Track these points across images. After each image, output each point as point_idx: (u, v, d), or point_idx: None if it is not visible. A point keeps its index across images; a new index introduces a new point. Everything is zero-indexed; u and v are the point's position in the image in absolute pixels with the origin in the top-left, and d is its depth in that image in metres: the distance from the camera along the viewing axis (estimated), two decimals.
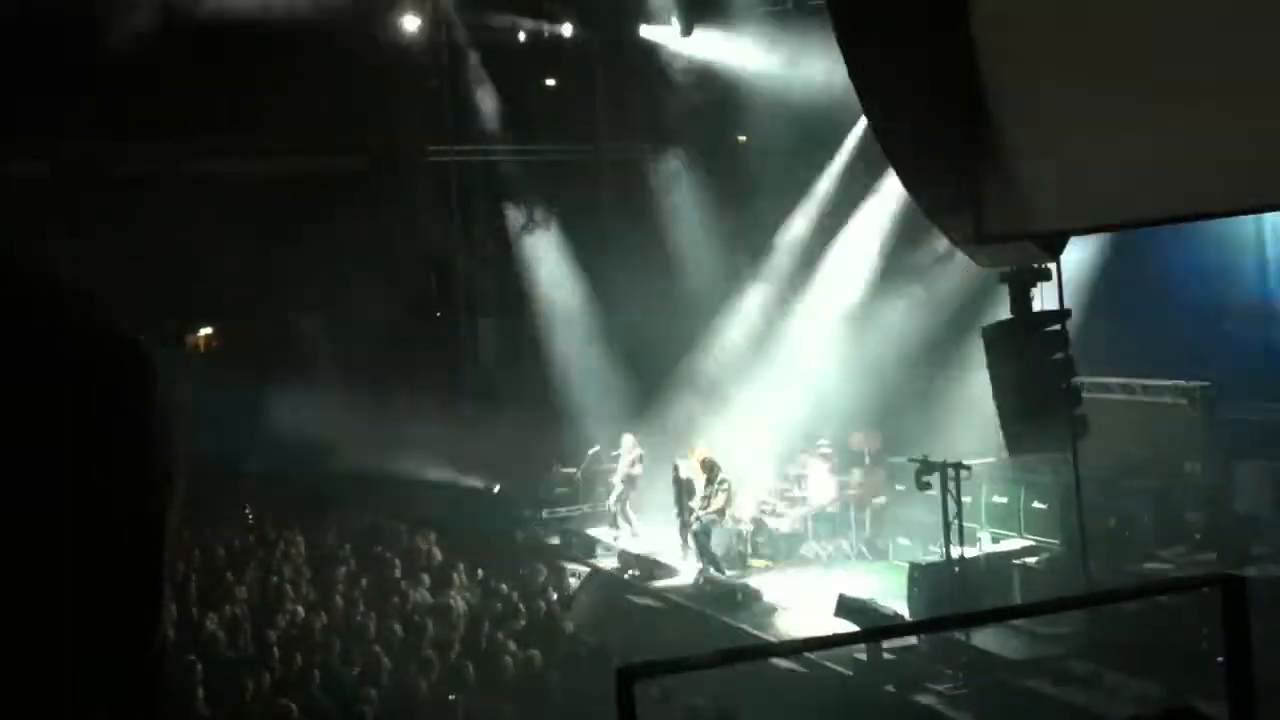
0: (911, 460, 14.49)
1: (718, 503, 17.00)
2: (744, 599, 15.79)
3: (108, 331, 0.88)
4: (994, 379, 10.94)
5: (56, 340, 0.84)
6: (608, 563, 18.44)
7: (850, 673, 12.97)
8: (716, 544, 17.01)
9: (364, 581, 16.12)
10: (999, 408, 10.94)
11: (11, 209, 18.67)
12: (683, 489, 17.72)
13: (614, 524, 19.56)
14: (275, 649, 12.82)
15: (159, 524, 0.88)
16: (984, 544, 15.54)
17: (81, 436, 0.83)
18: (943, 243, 13.29)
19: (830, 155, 20.78)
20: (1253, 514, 14.62)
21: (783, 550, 17.94)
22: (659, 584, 17.06)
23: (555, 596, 16.06)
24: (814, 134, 19.82)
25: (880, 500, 17.86)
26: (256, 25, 19.29)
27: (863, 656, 12.97)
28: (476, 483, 21.60)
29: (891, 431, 18.48)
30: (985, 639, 12.85)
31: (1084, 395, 11.35)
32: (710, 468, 17.21)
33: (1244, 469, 15.20)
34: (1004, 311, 11.12)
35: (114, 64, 19.37)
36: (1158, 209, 8.11)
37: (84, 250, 16.18)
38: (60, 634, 0.82)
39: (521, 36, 23.97)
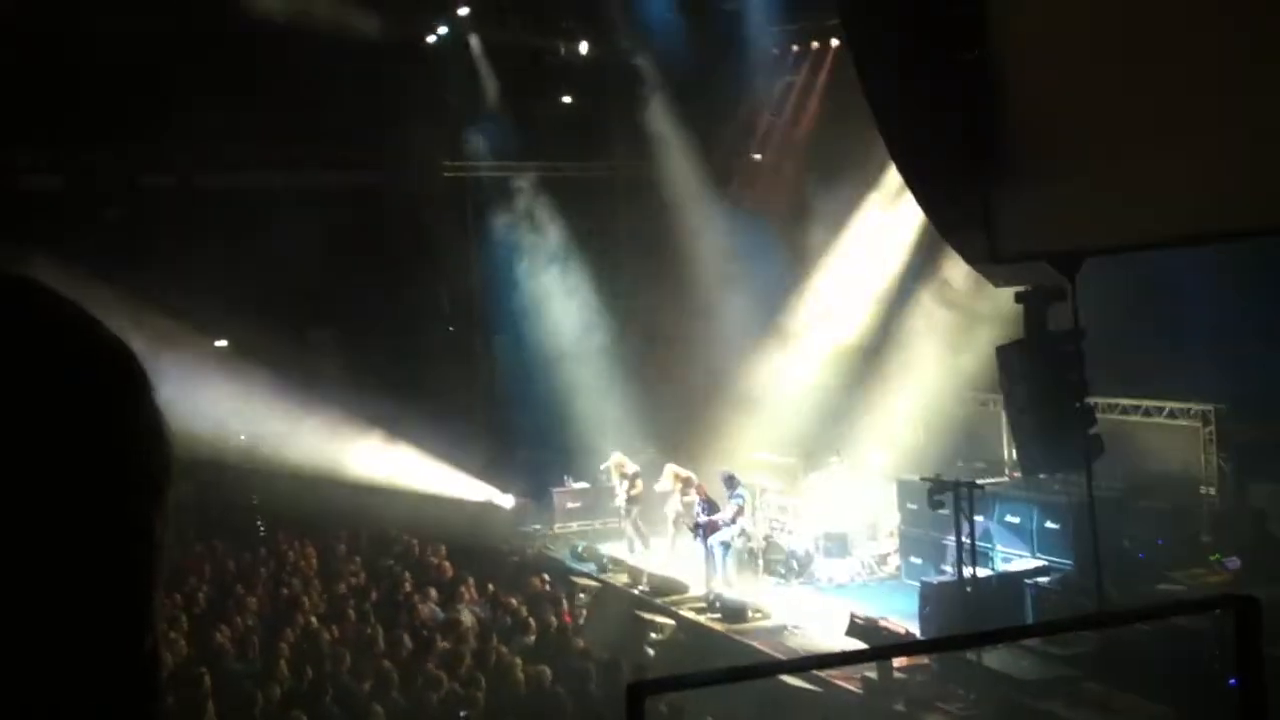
0: (924, 479, 14.45)
1: (729, 512, 17.04)
2: (754, 616, 15.75)
3: (97, 334, 0.87)
4: (1008, 398, 10.92)
5: (45, 342, 0.84)
6: (618, 578, 18.41)
7: (860, 692, 12.92)
8: (730, 561, 17.02)
9: (374, 595, 16.13)
10: (1013, 427, 10.92)
11: (23, 219, 18.78)
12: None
13: (626, 539, 19.56)
14: (285, 662, 12.83)
15: (148, 530, 0.87)
16: (996, 563, 15.49)
17: (70, 440, 0.82)
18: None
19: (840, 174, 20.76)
20: (1268, 536, 14.54)
21: (794, 568, 17.88)
22: (669, 600, 17.02)
23: (565, 611, 16.03)
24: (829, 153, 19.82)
25: (893, 519, 17.81)
26: (273, 39, 19.38)
27: (873, 675, 12.92)
28: (487, 497, 21.61)
29: (904, 450, 18.42)
30: (996, 659, 12.79)
31: (1098, 415, 11.31)
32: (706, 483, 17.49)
33: (1259, 491, 15.13)
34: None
35: (129, 76, 19.47)
36: (1173, 231, 8.10)
37: (97, 262, 16.29)
38: (47, 639, 0.81)
39: (538, 53, 24.03)
